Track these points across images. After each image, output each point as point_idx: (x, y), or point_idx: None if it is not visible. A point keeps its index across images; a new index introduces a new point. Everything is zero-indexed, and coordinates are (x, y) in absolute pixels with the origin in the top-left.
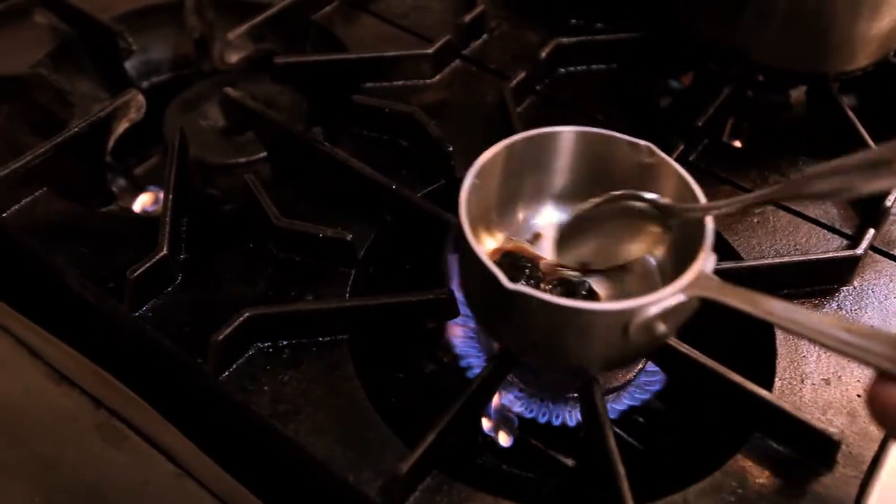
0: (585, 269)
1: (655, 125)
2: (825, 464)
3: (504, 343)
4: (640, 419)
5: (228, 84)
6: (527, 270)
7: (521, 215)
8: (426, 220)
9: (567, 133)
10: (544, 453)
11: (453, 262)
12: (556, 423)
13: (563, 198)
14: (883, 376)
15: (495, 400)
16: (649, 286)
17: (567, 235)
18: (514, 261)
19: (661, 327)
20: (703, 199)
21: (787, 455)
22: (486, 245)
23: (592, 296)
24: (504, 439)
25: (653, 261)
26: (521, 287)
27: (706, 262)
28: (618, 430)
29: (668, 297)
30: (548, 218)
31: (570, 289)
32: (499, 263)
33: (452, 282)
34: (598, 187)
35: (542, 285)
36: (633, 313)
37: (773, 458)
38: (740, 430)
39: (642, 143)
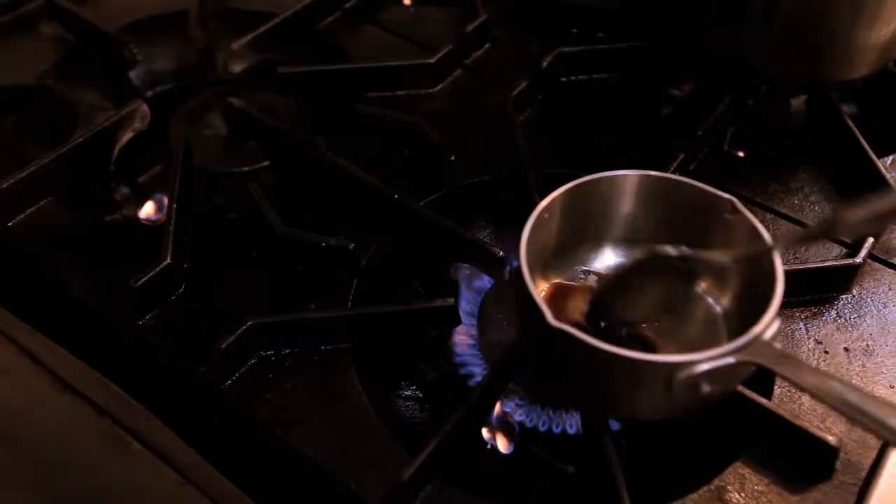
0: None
1: (656, 134)
2: (824, 471)
3: (547, 382)
4: (642, 427)
5: (232, 94)
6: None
7: (581, 258)
8: (429, 229)
9: (633, 177)
10: (545, 460)
11: (460, 273)
12: (557, 431)
13: (626, 242)
14: None
15: (497, 407)
16: (712, 338)
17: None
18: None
19: (707, 387)
20: (779, 262)
21: (786, 463)
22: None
23: (647, 341)
24: (505, 446)
25: (719, 309)
26: (565, 327)
27: (768, 328)
28: (619, 438)
29: (716, 358)
30: (609, 262)
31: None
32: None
33: (460, 292)
34: (664, 233)
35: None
36: (678, 368)
37: (773, 465)
38: (740, 438)
39: (726, 196)
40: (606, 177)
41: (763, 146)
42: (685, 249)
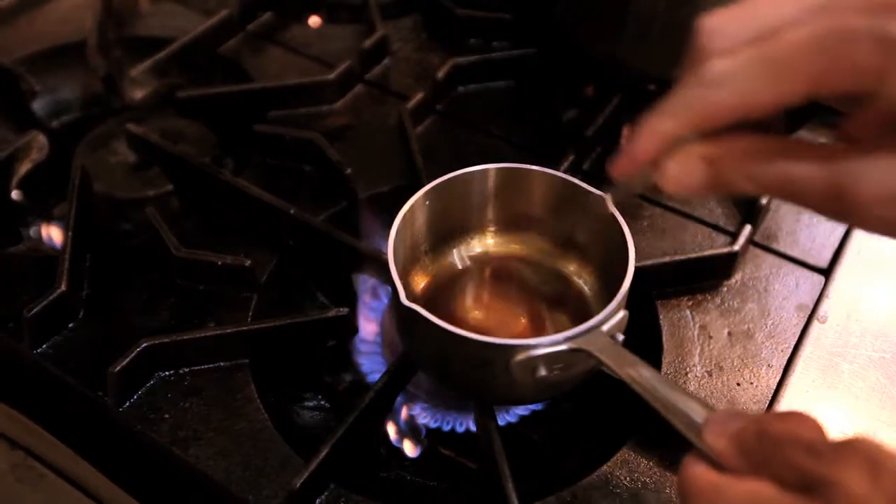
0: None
1: (554, 137)
2: None
3: (413, 359)
4: (550, 419)
5: (137, 120)
6: None
7: (454, 251)
8: (325, 242)
9: (489, 170)
10: (452, 461)
11: (362, 282)
12: (460, 430)
13: (499, 232)
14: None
15: (403, 412)
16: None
17: None
18: None
19: (543, 371)
20: (631, 265)
21: (668, 445)
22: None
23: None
24: (411, 450)
25: (588, 291)
26: (414, 306)
27: (606, 321)
28: (528, 431)
29: (549, 343)
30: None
31: None
32: None
33: (360, 301)
34: (537, 224)
35: None
36: (514, 351)
37: (658, 447)
38: (626, 425)
39: (598, 192)
40: (469, 172)
41: None
42: None
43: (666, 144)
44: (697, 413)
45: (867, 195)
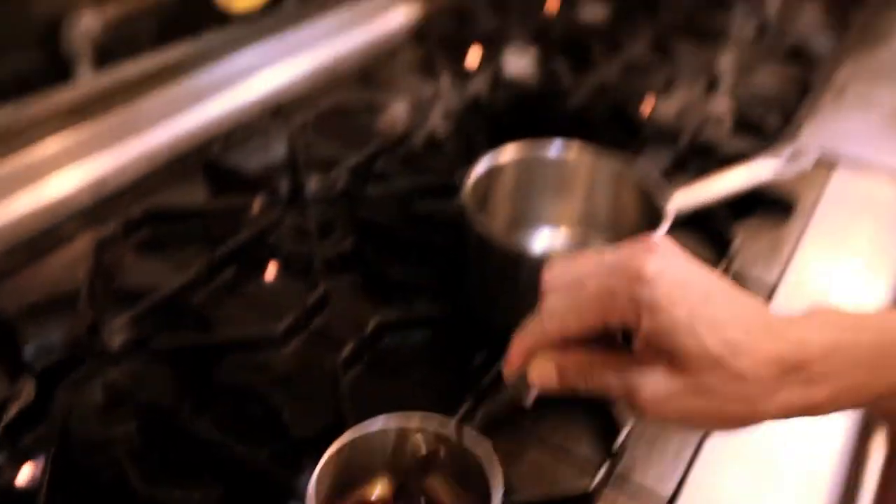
0: None
1: (462, 385)
2: None
3: None
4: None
5: (113, 364)
6: None
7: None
8: (264, 478)
9: (389, 429)
10: None
11: None
12: None
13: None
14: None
15: None
16: None
17: None
18: None
19: None
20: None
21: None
22: None
23: None
24: None
25: None
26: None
27: None
28: None
29: None
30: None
31: None
32: None
33: None
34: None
35: None
36: None
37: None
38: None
39: (452, 421)
40: (368, 432)
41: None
42: None
43: (529, 354)
44: None
45: (643, 399)
